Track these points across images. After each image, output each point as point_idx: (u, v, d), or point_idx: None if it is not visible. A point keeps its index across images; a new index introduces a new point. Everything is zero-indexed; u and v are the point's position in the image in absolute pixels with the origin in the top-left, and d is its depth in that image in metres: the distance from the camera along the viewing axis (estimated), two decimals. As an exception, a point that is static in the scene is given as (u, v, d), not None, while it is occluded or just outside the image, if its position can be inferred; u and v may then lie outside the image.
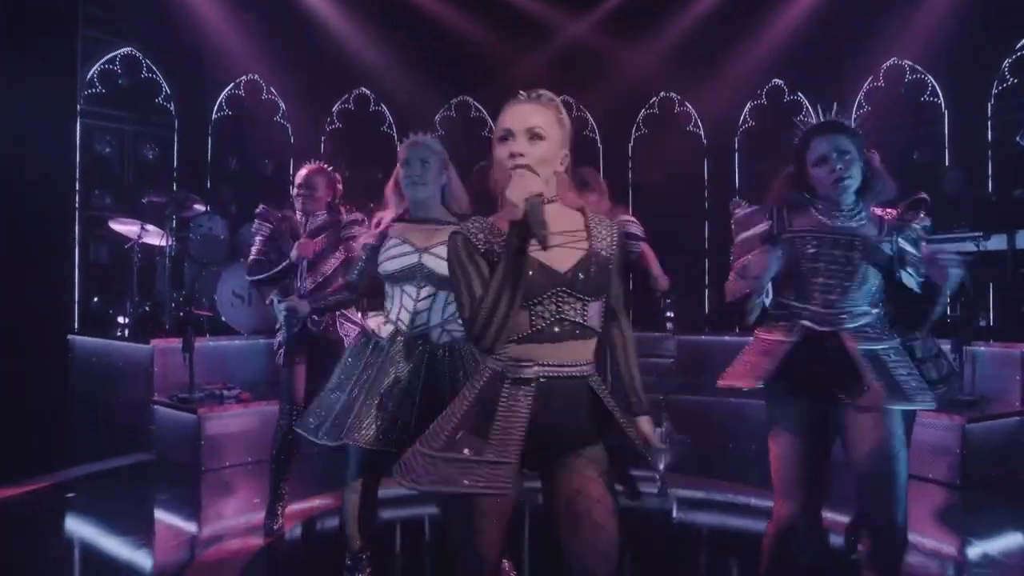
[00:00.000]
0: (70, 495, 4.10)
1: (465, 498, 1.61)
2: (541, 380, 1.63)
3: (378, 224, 2.55)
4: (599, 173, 4.10)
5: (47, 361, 5.84)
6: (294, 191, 3.49)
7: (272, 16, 7.54)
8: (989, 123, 6.62)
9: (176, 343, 4.88)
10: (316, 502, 3.89)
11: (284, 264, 3.35)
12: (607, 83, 7.75)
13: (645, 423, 1.80)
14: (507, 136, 1.65)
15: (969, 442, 4.17)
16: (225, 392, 4.83)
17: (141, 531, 3.59)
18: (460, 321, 1.76)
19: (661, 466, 3.49)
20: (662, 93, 8.06)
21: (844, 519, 3.09)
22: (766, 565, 2.22)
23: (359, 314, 3.49)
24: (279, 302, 2.59)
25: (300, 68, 7.91)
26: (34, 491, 4.09)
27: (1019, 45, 6.44)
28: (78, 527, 3.76)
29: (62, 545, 3.51)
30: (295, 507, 3.68)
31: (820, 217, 2.21)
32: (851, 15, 7.00)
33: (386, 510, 2.67)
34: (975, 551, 3.37)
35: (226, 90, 7.94)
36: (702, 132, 7.99)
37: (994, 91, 6.57)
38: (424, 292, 2.42)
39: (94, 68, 7.15)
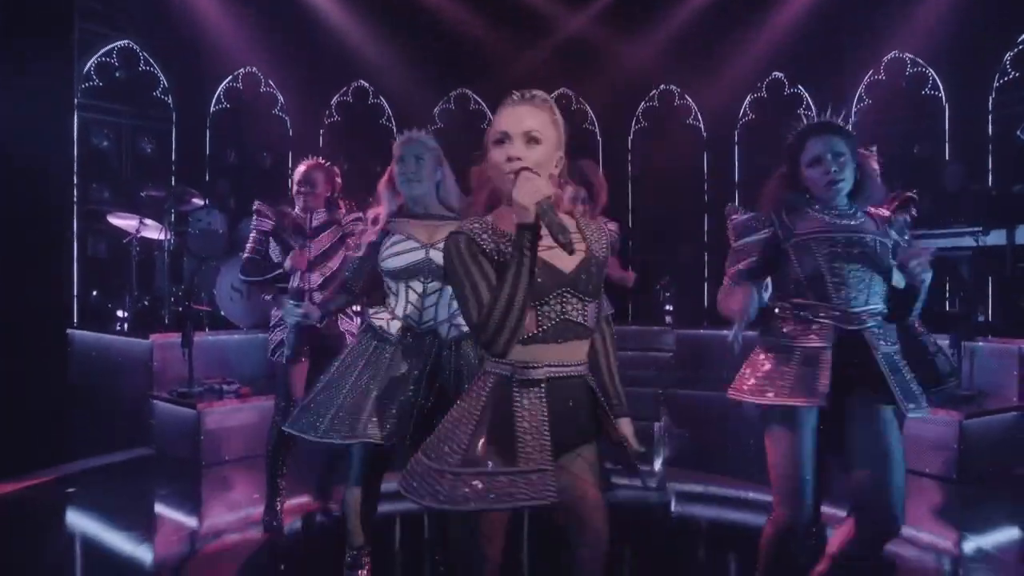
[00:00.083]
0: (70, 490, 4.10)
1: (516, 512, 1.61)
2: (550, 380, 1.63)
3: (375, 220, 2.54)
4: (599, 166, 4.08)
5: (46, 356, 5.85)
6: (294, 188, 3.47)
7: (270, 8, 7.50)
8: (990, 117, 6.61)
9: (175, 338, 4.89)
10: (314, 497, 3.90)
11: (278, 270, 3.36)
12: (607, 76, 7.72)
13: (625, 424, 1.82)
14: (503, 139, 1.64)
15: (966, 437, 4.17)
16: (224, 387, 4.83)
17: (141, 526, 3.59)
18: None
19: (645, 467, 3.48)
20: (662, 86, 8.03)
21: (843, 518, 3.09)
22: (764, 565, 2.21)
23: (360, 310, 3.48)
24: (295, 306, 2.58)
25: (299, 61, 7.85)
26: (34, 486, 4.09)
27: (1021, 39, 6.41)
28: (78, 522, 3.77)
29: (62, 540, 3.51)
30: (294, 501, 3.69)
31: (824, 217, 2.19)
32: (852, 8, 6.97)
33: (384, 504, 2.68)
34: (971, 546, 3.38)
35: (224, 83, 7.90)
36: (702, 125, 7.97)
37: (995, 85, 6.55)
38: (431, 287, 2.44)
39: (91, 61, 7.12)
